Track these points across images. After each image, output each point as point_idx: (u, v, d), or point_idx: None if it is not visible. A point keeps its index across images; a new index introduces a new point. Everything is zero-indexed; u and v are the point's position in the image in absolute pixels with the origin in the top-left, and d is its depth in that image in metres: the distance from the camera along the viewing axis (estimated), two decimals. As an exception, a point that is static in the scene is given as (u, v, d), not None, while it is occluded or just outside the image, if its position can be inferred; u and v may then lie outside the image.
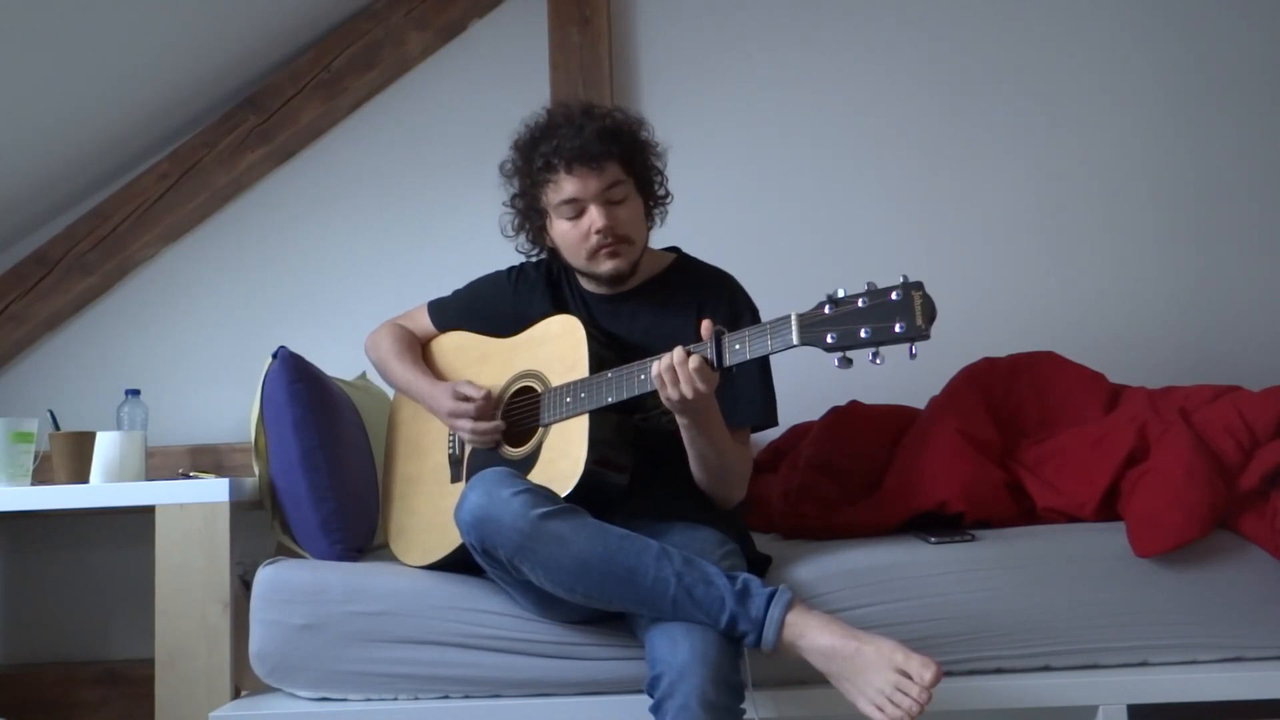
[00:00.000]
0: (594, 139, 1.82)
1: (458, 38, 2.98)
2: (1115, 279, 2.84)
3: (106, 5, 2.39)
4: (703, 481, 1.83)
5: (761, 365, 1.86)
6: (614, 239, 1.85)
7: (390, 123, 2.97)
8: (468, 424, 1.89)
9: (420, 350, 2.10)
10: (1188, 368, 2.66)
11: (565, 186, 1.84)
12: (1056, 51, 2.92)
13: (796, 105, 2.93)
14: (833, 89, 2.93)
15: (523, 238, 1.98)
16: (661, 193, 1.97)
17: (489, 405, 1.90)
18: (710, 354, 1.63)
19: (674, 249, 2.04)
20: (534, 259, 2.03)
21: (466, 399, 1.89)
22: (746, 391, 1.86)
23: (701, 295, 1.93)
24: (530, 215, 1.94)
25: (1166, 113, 2.89)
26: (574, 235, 1.87)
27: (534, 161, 1.86)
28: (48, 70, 2.44)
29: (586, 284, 1.98)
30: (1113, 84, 2.90)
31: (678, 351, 1.64)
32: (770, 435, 2.48)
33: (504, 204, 1.97)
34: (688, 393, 1.63)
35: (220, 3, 2.62)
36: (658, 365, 1.65)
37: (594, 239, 1.85)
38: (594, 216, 1.84)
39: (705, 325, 1.65)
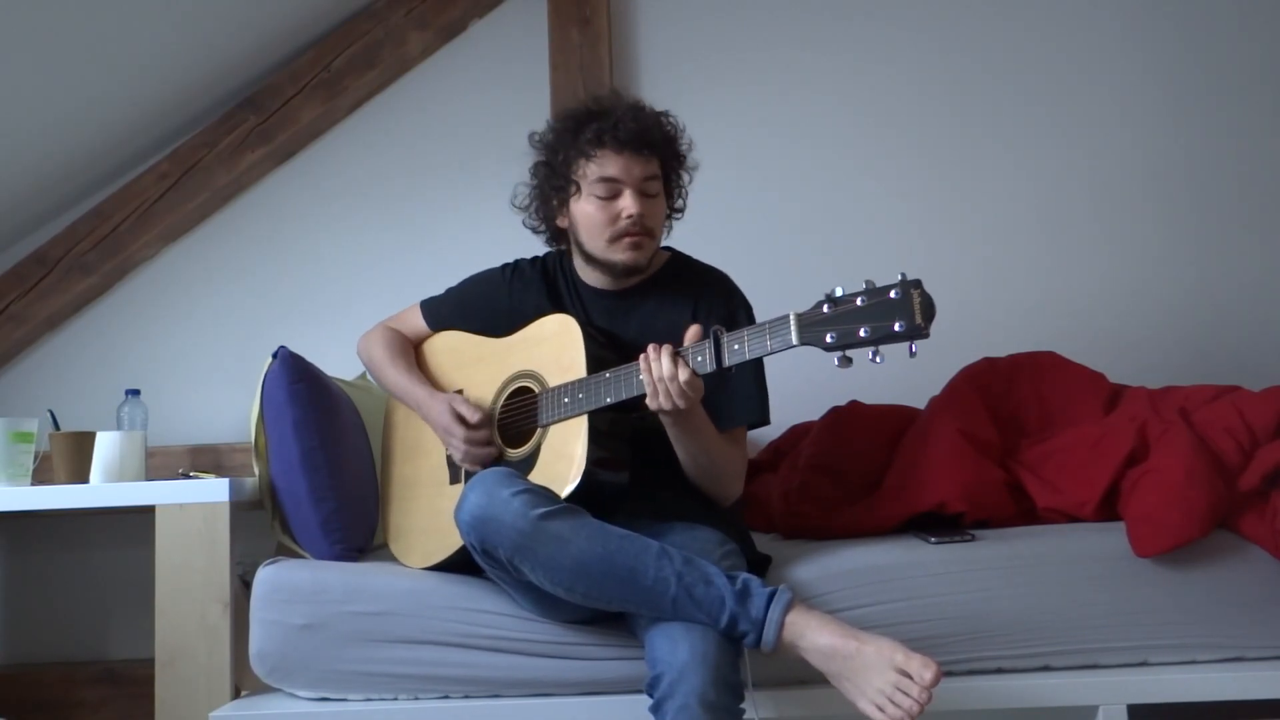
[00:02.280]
0: (652, 128, 1.87)
1: (458, 38, 2.98)
2: (1115, 278, 2.84)
3: (107, 5, 2.39)
4: (694, 478, 1.83)
5: (755, 364, 1.87)
6: (641, 229, 1.86)
7: (390, 123, 2.97)
8: (461, 445, 1.88)
9: (413, 354, 2.09)
10: (1187, 367, 2.66)
11: (608, 165, 1.85)
12: (1055, 51, 2.92)
13: (796, 105, 2.93)
14: (832, 89, 2.94)
15: (533, 210, 1.98)
16: (679, 205, 1.99)
17: (484, 432, 1.89)
18: (708, 355, 1.63)
19: (667, 248, 2.04)
20: (539, 239, 2.03)
21: (461, 420, 1.88)
22: (741, 390, 1.86)
23: (697, 293, 1.94)
24: (555, 186, 1.92)
25: (1166, 112, 2.89)
26: (601, 216, 1.86)
27: (583, 133, 1.86)
28: (48, 70, 2.44)
29: (586, 278, 1.97)
30: (1112, 84, 2.90)
31: (666, 365, 1.64)
32: (770, 435, 2.48)
33: (530, 169, 1.97)
34: (681, 403, 1.64)
35: (220, 3, 2.62)
36: (647, 375, 1.65)
37: (623, 223, 1.85)
38: (629, 202, 1.85)
39: (694, 330, 1.66)
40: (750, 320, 1.93)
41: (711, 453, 1.79)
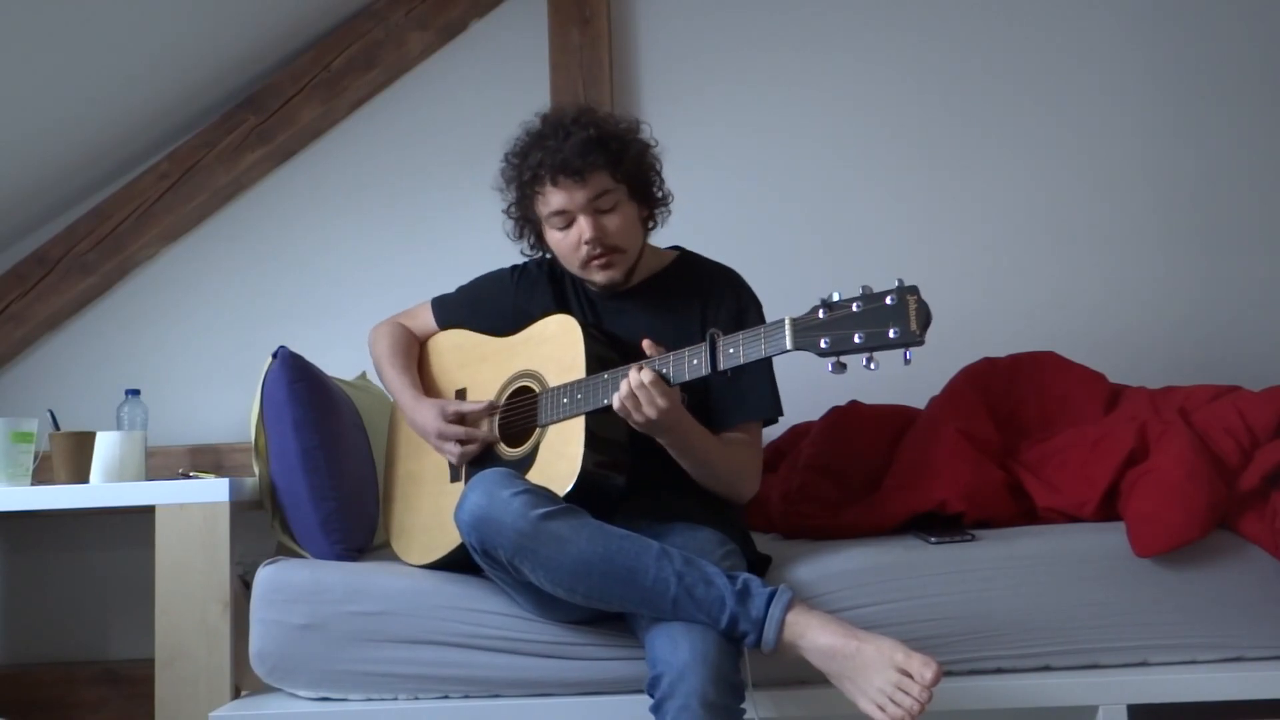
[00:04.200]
0: (575, 151, 1.80)
1: (458, 38, 2.98)
2: (1115, 279, 2.84)
3: (107, 5, 2.39)
4: (704, 485, 1.83)
5: (765, 360, 1.86)
6: (604, 249, 1.85)
7: (390, 123, 2.97)
8: (456, 448, 1.89)
9: (417, 352, 2.09)
10: (1188, 368, 2.65)
11: (552, 199, 1.84)
12: (1057, 52, 2.92)
13: (796, 105, 2.93)
14: (833, 89, 2.93)
15: (525, 244, 1.99)
16: (659, 195, 1.95)
17: (483, 413, 1.89)
18: (704, 358, 1.62)
19: (677, 248, 2.04)
20: (537, 257, 2.03)
21: (460, 418, 1.89)
22: (753, 386, 1.86)
23: (705, 292, 1.93)
24: (526, 224, 1.95)
25: (1167, 112, 2.89)
26: (565, 245, 1.87)
27: (523, 173, 1.87)
28: (48, 70, 2.45)
29: (588, 283, 1.97)
30: (1114, 84, 2.90)
31: (632, 374, 1.64)
32: (770, 435, 2.47)
33: (503, 211, 1.98)
34: (651, 414, 1.64)
35: (220, 3, 2.62)
36: (619, 397, 1.65)
37: (584, 250, 1.85)
38: (582, 227, 1.84)
39: (647, 344, 1.66)
40: (760, 318, 1.92)
41: (712, 462, 1.79)
